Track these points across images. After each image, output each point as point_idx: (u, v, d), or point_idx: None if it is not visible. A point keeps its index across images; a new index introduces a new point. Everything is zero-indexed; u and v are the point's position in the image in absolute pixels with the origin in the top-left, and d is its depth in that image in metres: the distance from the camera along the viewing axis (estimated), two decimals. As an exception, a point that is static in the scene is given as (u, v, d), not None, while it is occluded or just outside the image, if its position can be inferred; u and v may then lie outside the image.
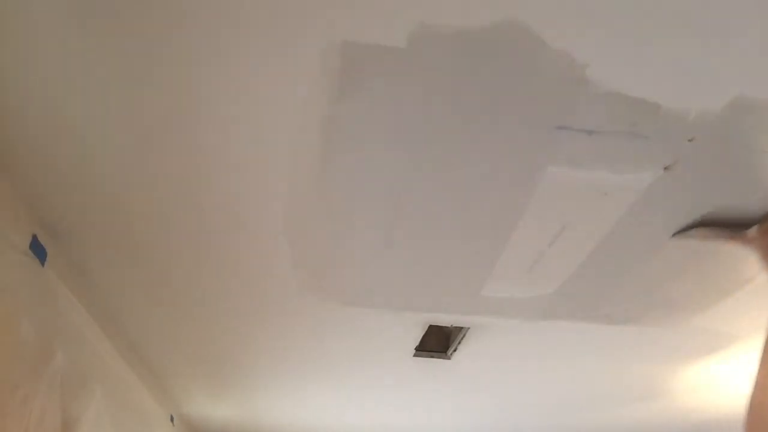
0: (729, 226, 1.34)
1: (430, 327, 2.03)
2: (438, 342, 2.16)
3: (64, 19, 0.92)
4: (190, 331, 2.05)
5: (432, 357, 2.21)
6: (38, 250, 1.42)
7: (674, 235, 1.41)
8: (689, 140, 1.10)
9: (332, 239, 1.46)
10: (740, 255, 1.45)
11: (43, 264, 1.45)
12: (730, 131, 1.08)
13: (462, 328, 2.01)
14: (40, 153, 1.22)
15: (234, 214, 1.38)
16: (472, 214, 1.34)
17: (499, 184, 1.24)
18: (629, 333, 1.93)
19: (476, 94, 1.01)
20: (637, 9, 0.86)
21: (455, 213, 1.34)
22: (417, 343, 2.13)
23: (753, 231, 1.32)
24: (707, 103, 1.02)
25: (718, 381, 2.35)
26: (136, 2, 0.88)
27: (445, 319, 1.95)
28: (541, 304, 1.74)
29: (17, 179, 1.30)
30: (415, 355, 2.21)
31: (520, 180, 1.22)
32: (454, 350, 2.14)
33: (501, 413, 2.92)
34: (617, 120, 1.06)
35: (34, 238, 1.41)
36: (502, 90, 1.00)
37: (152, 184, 1.30)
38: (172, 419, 2.76)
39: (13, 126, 1.15)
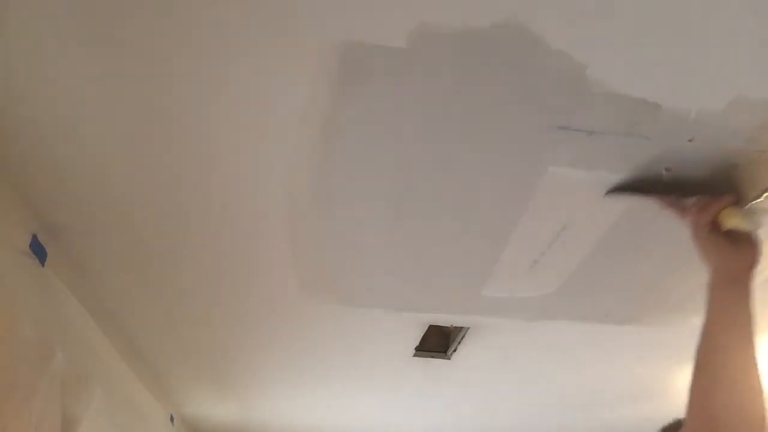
0: (676, 189, 1.13)
1: (430, 327, 2.03)
2: (438, 342, 2.16)
3: (64, 20, 0.92)
4: (191, 330, 2.05)
5: (432, 357, 2.21)
6: (38, 250, 1.42)
7: (607, 194, 1.22)
8: (689, 140, 1.10)
9: (332, 239, 1.46)
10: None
11: (43, 264, 1.45)
12: (729, 131, 1.08)
13: (462, 328, 2.01)
14: (40, 153, 1.22)
15: (234, 213, 1.38)
16: (472, 214, 1.34)
17: (499, 184, 1.24)
18: (629, 333, 1.93)
19: (476, 95, 1.01)
20: (637, 9, 0.86)
21: (455, 213, 1.34)
22: (417, 343, 2.13)
23: (690, 203, 1.09)
24: (707, 103, 1.02)
25: (718, 381, 2.34)
26: (137, 3, 0.88)
27: (445, 319, 1.95)
28: (541, 304, 1.74)
29: (17, 179, 1.30)
30: (415, 355, 2.21)
31: (520, 180, 1.22)
32: (454, 350, 2.14)
33: (501, 413, 2.92)
34: (617, 120, 1.06)
35: (34, 238, 1.41)
36: (502, 90, 1.00)
37: (152, 184, 1.30)
38: (172, 419, 2.76)
39: (14, 126, 1.15)
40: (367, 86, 1.01)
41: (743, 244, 0.96)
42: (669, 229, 1.38)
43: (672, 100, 1.02)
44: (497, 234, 1.40)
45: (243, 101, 1.06)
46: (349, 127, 1.10)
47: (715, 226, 0.98)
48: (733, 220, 0.96)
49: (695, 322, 1.82)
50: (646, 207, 1.29)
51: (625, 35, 0.90)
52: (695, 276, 1.57)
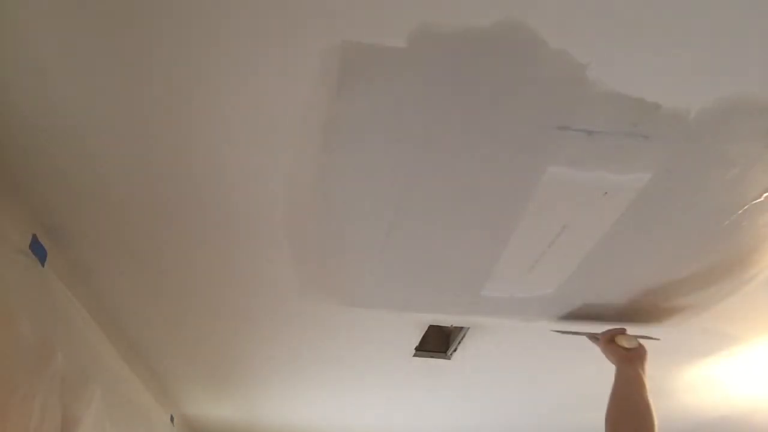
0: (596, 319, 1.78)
1: (430, 327, 2.03)
2: (438, 342, 2.16)
3: (63, 19, 0.92)
4: (191, 331, 2.06)
5: (432, 357, 2.21)
6: (38, 250, 1.42)
7: (553, 330, 1.87)
8: (689, 140, 1.10)
9: (332, 240, 1.46)
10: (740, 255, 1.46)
11: (43, 264, 1.45)
12: (729, 131, 1.08)
13: (462, 328, 2.01)
14: (40, 153, 1.22)
15: (234, 214, 1.39)
16: (472, 214, 1.34)
17: (499, 184, 1.24)
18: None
19: (476, 94, 1.01)
20: (637, 9, 0.86)
21: (455, 213, 1.34)
22: (417, 343, 2.13)
23: (600, 336, 1.77)
24: (707, 103, 1.02)
25: (718, 381, 2.35)
26: (136, 2, 0.88)
27: (445, 319, 1.95)
28: (541, 304, 1.74)
29: (17, 179, 1.30)
30: (415, 355, 2.21)
31: (520, 180, 1.22)
32: (454, 350, 2.14)
33: (501, 413, 2.92)
34: (617, 120, 1.06)
35: (34, 238, 1.41)
36: (502, 90, 1.00)
37: (152, 184, 1.30)
38: (172, 419, 2.76)
39: (13, 126, 1.15)
40: (367, 86, 1.01)
41: (633, 348, 1.69)
42: (668, 229, 1.38)
43: (672, 100, 1.02)
44: (497, 234, 1.40)
45: (243, 102, 1.06)
46: (348, 127, 1.10)
47: (613, 343, 1.71)
48: (622, 342, 1.71)
49: (695, 322, 1.84)
50: (646, 207, 1.29)
51: (625, 35, 0.90)
52: (695, 276, 1.57)
